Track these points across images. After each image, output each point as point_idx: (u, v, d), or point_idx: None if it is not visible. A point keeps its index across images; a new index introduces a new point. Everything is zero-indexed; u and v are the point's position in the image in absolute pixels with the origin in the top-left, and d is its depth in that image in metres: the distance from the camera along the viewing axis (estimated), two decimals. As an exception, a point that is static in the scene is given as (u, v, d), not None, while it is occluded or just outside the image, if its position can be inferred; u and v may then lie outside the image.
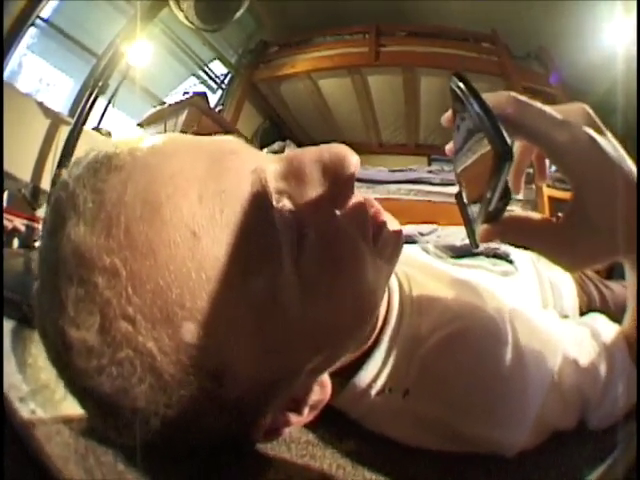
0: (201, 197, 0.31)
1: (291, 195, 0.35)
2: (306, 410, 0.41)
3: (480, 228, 0.39)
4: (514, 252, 0.74)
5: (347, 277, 0.36)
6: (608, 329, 0.52)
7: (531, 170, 0.49)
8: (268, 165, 0.36)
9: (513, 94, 0.37)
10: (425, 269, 0.58)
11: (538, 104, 0.37)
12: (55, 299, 0.31)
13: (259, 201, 0.33)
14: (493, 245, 0.73)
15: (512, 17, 2.59)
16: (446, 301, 0.51)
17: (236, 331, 0.32)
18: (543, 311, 0.64)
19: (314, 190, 0.36)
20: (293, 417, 0.40)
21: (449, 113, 0.41)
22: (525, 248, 0.40)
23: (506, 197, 0.35)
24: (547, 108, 0.38)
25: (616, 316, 0.54)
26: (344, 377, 0.46)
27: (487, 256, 0.72)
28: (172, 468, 0.36)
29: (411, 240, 0.76)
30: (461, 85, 0.35)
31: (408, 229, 0.80)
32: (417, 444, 0.46)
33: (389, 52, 2.78)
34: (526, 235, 0.39)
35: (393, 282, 0.52)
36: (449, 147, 0.43)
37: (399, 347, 0.48)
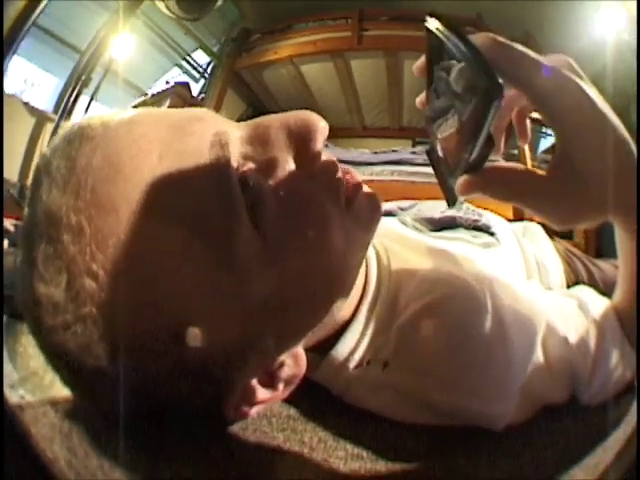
0: (161, 157, 0.32)
1: (256, 159, 0.36)
2: (281, 385, 0.40)
3: (459, 180, 0.36)
4: (496, 224, 0.72)
5: (312, 240, 0.36)
6: (596, 301, 0.51)
7: (516, 152, 0.48)
8: (233, 130, 0.36)
9: (492, 35, 0.34)
10: (403, 241, 0.58)
11: (520, 46, 0.34)
12: (28, 259, 0.32)
13: (217, 162, 0.33)
14: (474, 217, 0.71)
15: (498, 2, 2.56)
16: (424, 272, 0.51)
17: (196, 291, 0.32)
18: (526, 281, 0.62)
19: (279, 154, 0.36)
20: (267, 392, 0.40)
21: (421, 61, 0.39)
22: (509, 201, 0.37)
23: (489, 145, 0.33)
24: (530, 51, 0.34)
25: (604, 295, 0.52)
26: (322, 351, 0.45)
27: (467, 228, 0.70)
28: (150, 442, 0.36)
29: (391, 214, 0.74)
30: (440, 26, 0.32)
31: (388, 205, 0.78)
32: (398, 417, 0.45)
33: (372, 36, 2.74)
34: (510, 187, 0.36)
35: (371, 254, 0.52)
36: (420, 100, 0.41)
37: (377, 319, 0.47)
